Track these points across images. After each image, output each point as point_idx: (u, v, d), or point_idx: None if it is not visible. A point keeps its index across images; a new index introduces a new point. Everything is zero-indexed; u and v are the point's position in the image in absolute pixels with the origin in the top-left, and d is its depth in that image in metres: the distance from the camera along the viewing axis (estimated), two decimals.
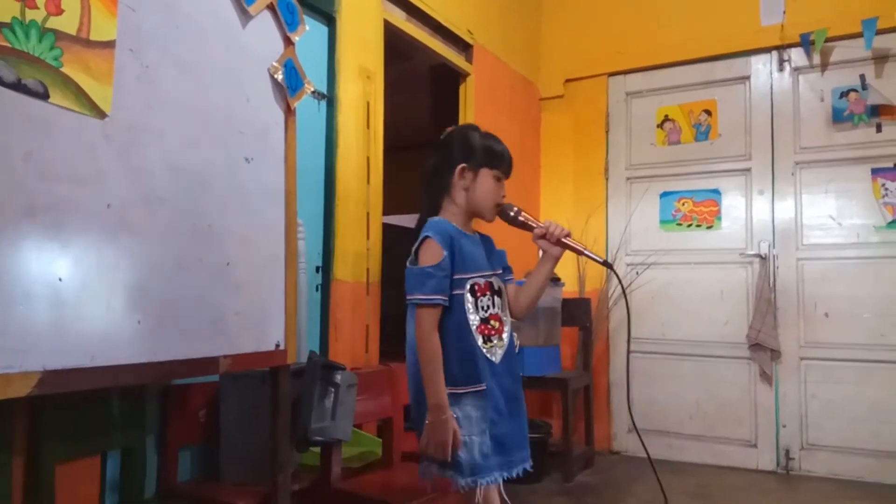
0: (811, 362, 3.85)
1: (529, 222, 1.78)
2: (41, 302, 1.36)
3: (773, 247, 3.99)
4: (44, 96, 1.39)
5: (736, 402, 4.03)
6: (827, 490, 3.52)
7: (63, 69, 1.43)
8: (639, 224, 4.40)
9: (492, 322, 1.73)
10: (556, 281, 4.00)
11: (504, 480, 1.72)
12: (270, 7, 2.03)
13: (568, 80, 4.64)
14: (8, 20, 1.32)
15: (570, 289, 4.27)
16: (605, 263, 1.76)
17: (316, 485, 2.22)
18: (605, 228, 4.49)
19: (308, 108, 2.74)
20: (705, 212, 4.24)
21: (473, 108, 3.86)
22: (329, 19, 2.86)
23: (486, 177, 1.77)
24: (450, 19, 3.63)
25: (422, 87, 4.57)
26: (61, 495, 1.77)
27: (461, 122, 3.86)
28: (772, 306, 3.91)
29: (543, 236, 1.74)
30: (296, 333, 2.10)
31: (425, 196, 1.83)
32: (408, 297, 1.68)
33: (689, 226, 4.28)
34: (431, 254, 1.67)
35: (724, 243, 4.15)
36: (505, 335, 1.76)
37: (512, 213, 1.78)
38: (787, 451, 3.87)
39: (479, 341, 1.69)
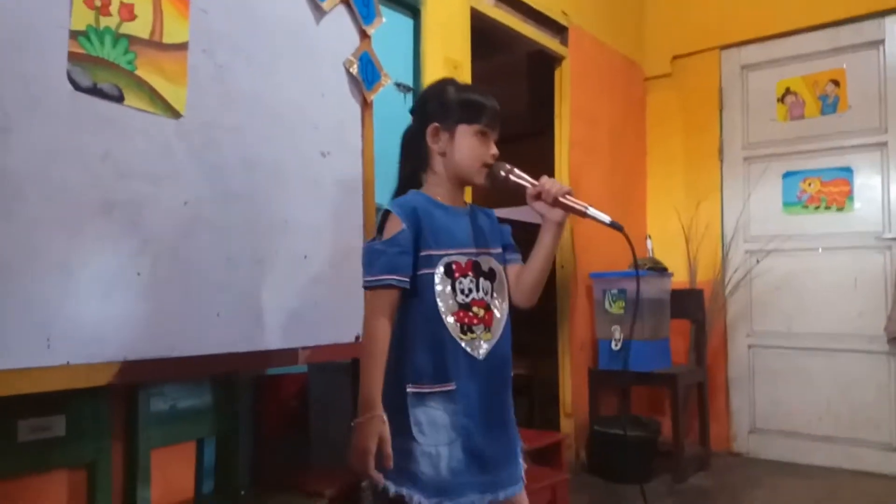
0: None
1: (522, 181, 1.45)
2: (120, 295, 1.44)
3: None
4: (119, 99, 1.46)
5: (872, 402, 3.62)
6: None
7: (137, 72, 1.50)
8: (758, 208, 4.06)
9: (474, 309, 1.43)
10: (663, 271, 3.79)
11: None
12: (345, 1, 2.04)
13: (676, 57, 4.37)
14: (83, 28, 1.40)
15: (679, 279, 4.03)
16: (614, 225, 1.40)
17: None
18: (719, 214, 4.18)
19: (394, 101, 2.73)
20: (835, 192, 3.84)
21: (570, 94, 3.71)
22: (414, 11, 2.85)
23: (464, 135, 1.45)
24: (541, 2, 3.51)
25: (518, 78, 4.46)
26: (158, 479, 1.87)
27: (557, 110, 3.73)
28: None
29: (539, 197, 1.42)
30: None
31: (400, 169, 1.56)
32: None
33: (817, 208, 3.90)
34: (390, 228, 1.40)
35: (857, 226, 3.75)
36: (495, 328, 1.46)
37: (503, 173, 1.46)
38: None
39: (456, 331, 1.40)
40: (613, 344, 3.57)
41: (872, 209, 3.71)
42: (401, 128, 2.76)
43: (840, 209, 3.81)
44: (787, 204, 3.99)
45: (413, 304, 1.41)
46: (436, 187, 1.50)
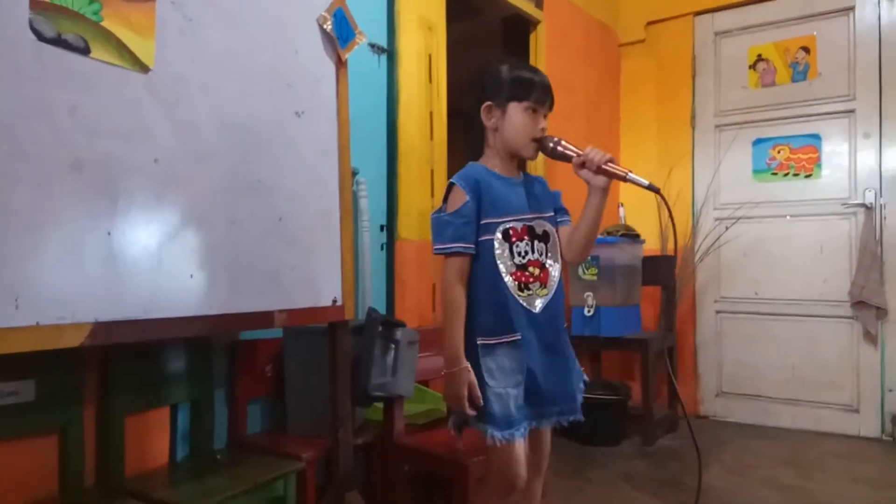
0: None
1: (568, 152, 1.60)
2: (91, 255, 1.39)
3: (881, 195, 3.63)
4: (85, 51, 1.40)
5: (836, 365, 3.74)
6: None
7: (103, 23, 1.43)
8: (728, 175, 4.11)
9: (530, 269, 1.60)
10: (635, 238, 3.82)
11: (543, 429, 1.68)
12: None
13: (650, 23, 4.36)
14: None
15: (651, 246, 4.07)
16: (652, 188, 1.54)
17: (379, 439, 2.23)
18: (690, 180, 4.23)
19: (367, 63, 2.69)
20: (803, 159, 3.90)
21: (545, 58, 3.69)
22: None
23: (515, 111, 1.61)
24: None
25: (493, 43, 4.41)
26: (132, 445, 1.84)
27: None
28: (878, 260, 3.57)
29: (583, 165, 1.57)
30: (353, 289, 2.08)
31: (466, 144, 1.72)
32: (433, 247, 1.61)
33: (786, 175, 3.96)
34: (454, 200, 1.57)
35: (824, 193, 3.82)
36: (550, 285, 1.63)
37: (551, 145, 1.61)
38: (894, 417, 3.56)
39: (514, 289, 1.57)
40: (586, 310, 3.61)
41: (839, 176, 3.78)
42: (375, 90, 2.75)
43: (808, 176, 3.88)
44: (757, 171, 4.04)
45: (476, 266, 1.58)
46: (492, 159, 1.66)
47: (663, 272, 3.89)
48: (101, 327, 1.39)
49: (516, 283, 1.58)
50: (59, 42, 1.35)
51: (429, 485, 2.34)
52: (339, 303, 2.00)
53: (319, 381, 2.09)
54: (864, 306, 3.59)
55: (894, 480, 2.94)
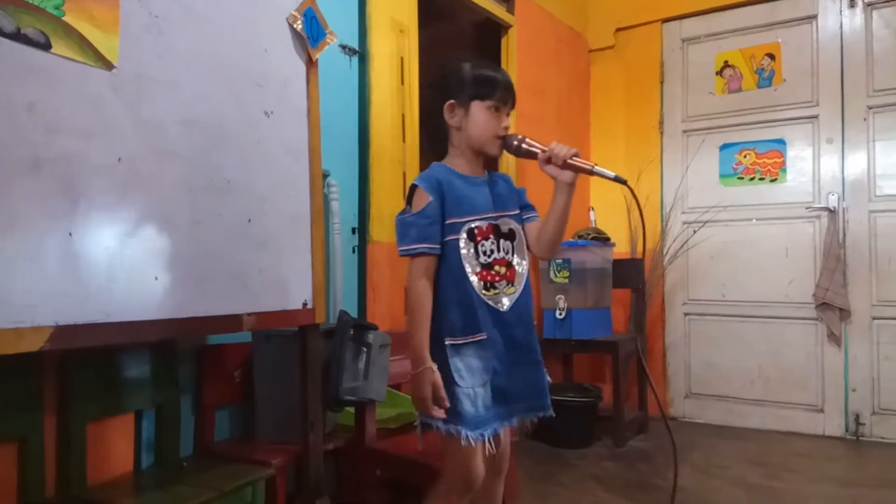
0: (884, 322, 3.59)
1: (533, 148, 1.58)
2: (51, 257, 1.34)
3: (843, 199, 3.71)
4: (45, 46, 1.36)
5: (801, 366, 3.81)
6: None
7: (65, 18, 1.39)
8: (696, 179, 4.17)
9: (496, 267, 1.60)
10: (605, 241, 3.85)
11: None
12: None
13: (619, 29, 4.41)
14: None
15: (621, 249, 4.10)
16: (619, 179, 1.53)
17: (350, 444, 2.20)
18: (659, 184, 4.28)
19: (339, 65, 2.66)
20: (769, 164, 3.98)
21: (516, 63, 3.70)
22: None
23: (478, 110, 1.59)
24: None
25: (464, 48, 4.41)
26: (94, 454, 1.79)
27: None
28: (841, 263, 3.65)
29: (549, 161, 1.55)
30: (324, 292, 2.06)
31: (428, 144, 1.71)
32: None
33: (752, 179, 4.03)
34: (418, 201, 1.56)
35: (789, 197, 3.90)
36: (517, 283, 1.63)
37: (515, 143, 1.59)
38: (857, 416, 3.64)
39: (480, 289, 1.57)
40: (557, 312, 3.62)
41: (803, 180, 3.86)
42: (347, 92, 2.73)
43: (773, 180, 3.95)
44: (724, 175, 4.11)
45: (442, 267, 1.57)
46: (455, 159, 1.64)
47: (633, 275, 3.92)
48: (61, 331, 1.34)
49: (482, 282, 1.58)
50: (18, 37, 1.31)
51: (401, 490, 2.32)
52: (309, 306, 1.97)
53: (289, 386, 2.05)
54: (829, 308, 3.67)
55: (859, 479, 2.99)
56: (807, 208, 3.82)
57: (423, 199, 1.55)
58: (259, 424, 2.18)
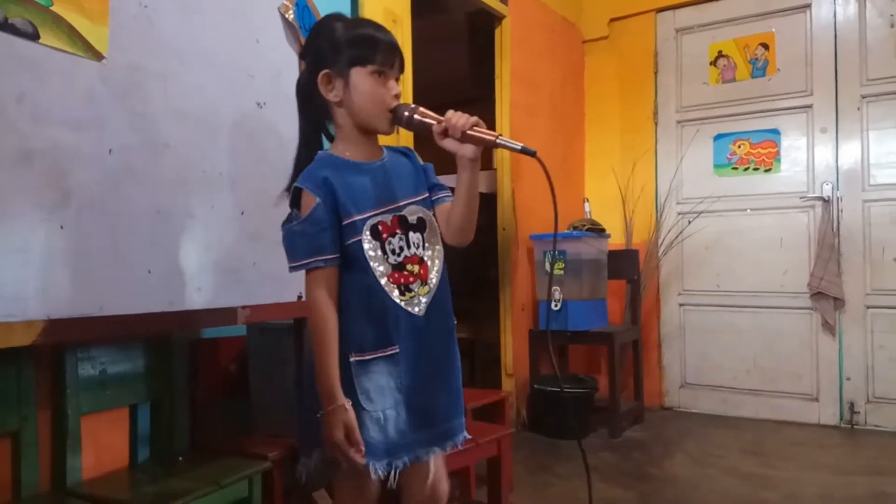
0: (878, 311, 3.60)
1: (427, 120, 1.34)
2: (43, 250, 1.34)
3: (837, 189, 3.71)
4: (33, 36, 1.34)
5: (796, 355, 3.82)
6: (895, 445, 3.32)
7: (53, 8, 1.38)
8: (690, 170, 4.17)
9: (408, 267, 1.37)
10: (600, 232, 3.85)
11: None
12: None
13: (613, 20, 4.39)
14: None
15: (616, 240, 4.10)
16: (526, 150, 1.31)
17: None
18: (653, 175, 4.27)
19: None
20: (763, 154, 3.97)
21: (510, 55, 3.68)
22: None
23: (360, 77, 1.32)
24: None
25: (458, 40, 4.40)
26: (89, 449, 1.78)
27: (498, 71, 3.70)
28: (835, 252, 3.66)
29: (446, 134, 1.32)
30: None
31: (300, 126, 1.43)
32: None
33: (746, 169, 4.02)
34: (304, 207, 1.31)
35: (783, 187, 3.90)
36: (431, 278, 1.40)
37: (406, 114, 1.34)
38: (852, 405, 3.65)
39: (394, 293, 1.34)
40: (553, 304, 3.62)
41: (798, 170, 3.86)
42: None
43: (768, 170, 3.95)
44: (718, 166, 4.11)
45: (346, 274, 1.34)
46: (342, 143, 1.39)
47: (628, 266, 3.93)
48: (54, 325, 1.33)
49: (395, 285, 1.35)
50: (5, 27, 1.30)
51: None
52: (304, 298, 1.96)
53: (285, 379, 2.04)
54: (823, 297, 3.67)
55: (853, 467, 3.01)
56: (801, 198, 3.82)
57: (310, 201, 1.30)
58: (255, 418, 2.17)
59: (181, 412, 2.08)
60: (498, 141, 1.31)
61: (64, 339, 1.36)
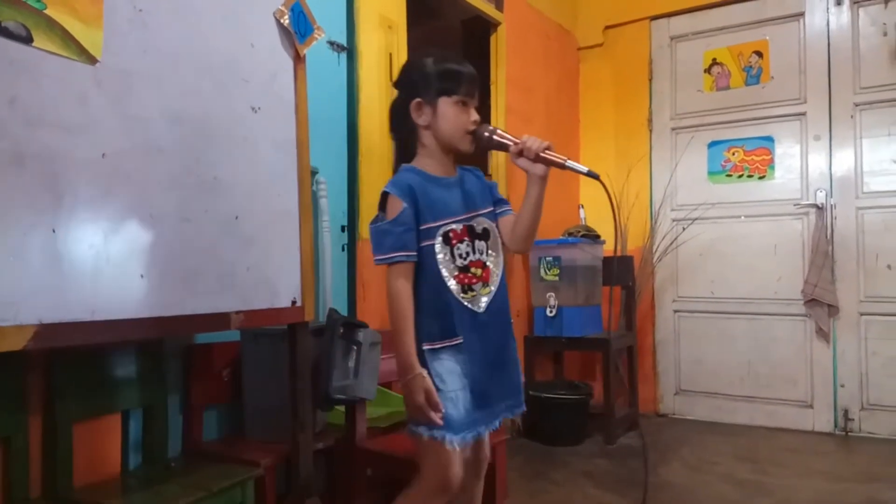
0: (872, 318, 3.61)
1: (505, 140, 1.56)
2: (35, 253, 1.32)
3: (831, 196, 3.73)
4: (27, 40, 1.33)
5: (790, 362, 3.82)
6: (889, 452, 3.32)
7: (47, 11, 1.37)
8: (685, 176, 4.18)
9: (472, 270, 1.58)
10: (595, 239, 3.85)
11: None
12: None
13: (608, 27, 4.41)
14: None
15: (612, 247, 4.10)
16: (591, 174, 1.50)
17: (340, 443, 2.18)
18: (648, 182, 4.28)
19: (326, 61, 2.65)
20: (757, 161, 3.99)
21: (505, 61, 3.69)
22: None
23: (446, 106, 1.56)
24: None
25: (453, 45, 4.40)
26: (81, 454, 1.76)
27: (493, 76, 3.70)
28: (829, 259, 3.67)
29: (521, 154, 1.53)
30: (313, 290, 2.04)
31: (395, 143, 1.69)
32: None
33: (740, 176, 4.04)
34: (391, 209, 1.53)
35: (777, 194, 3.91)
36: (493, 281, 1.62)
37: (486, 134, 1.57)
38: (846, 412, 3.66)
39: (458, 292, 1.55)
40: (548, 310, 3.62)
41: (791, 177, 3.88)
42: (335, 89, 2.71)
43: (762, 178, 3.96)
44: (712, 173, 4.12)
45: (419, 273, 1.54)
46: (426, 159, 1.61)
47: (623, 272, 3.93)
48: (45, 329, 1.32)
49: (459, 285, 1.56)
50: None
51: (391, 489, 2.30)
52: (298, 304, 1.96)
53: (279, 385, 2.03)
54: (817, 304, 3.68)
55: (847, 473, 3.01)
56: (795, 205, 3.83)
57: (397, 205, 1.52)
58: (248, 424, 2.16)
59: (174, 418, 2.07)
60: (566, 164, 1.50)
61: (55, 343, 1.35)
